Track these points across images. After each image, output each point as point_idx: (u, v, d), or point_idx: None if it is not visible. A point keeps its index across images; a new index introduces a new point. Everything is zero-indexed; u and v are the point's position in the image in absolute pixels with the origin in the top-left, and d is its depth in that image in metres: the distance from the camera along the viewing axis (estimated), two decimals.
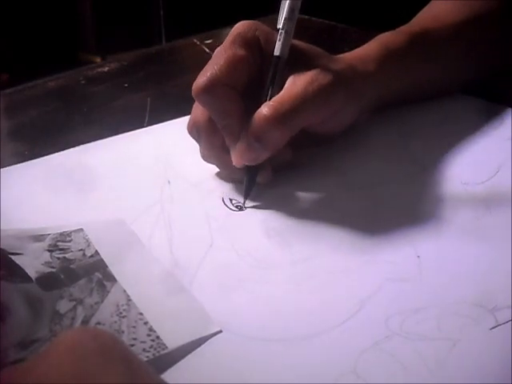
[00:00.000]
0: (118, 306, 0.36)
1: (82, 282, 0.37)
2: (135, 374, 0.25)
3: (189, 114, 0.48)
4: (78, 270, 0.38)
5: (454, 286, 0.37)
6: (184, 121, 0.48)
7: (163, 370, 0.32)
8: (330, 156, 0.50)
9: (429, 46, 0.54)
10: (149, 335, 0.34)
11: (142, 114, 0.59)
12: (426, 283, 0.37)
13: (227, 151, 0.45)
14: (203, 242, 0.42)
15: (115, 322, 0.34)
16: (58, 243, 0.40)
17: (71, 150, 0.53)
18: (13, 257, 0.38)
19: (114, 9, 2.39)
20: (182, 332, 0.34)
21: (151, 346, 0.33)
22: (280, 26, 0.45)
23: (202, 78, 0.44)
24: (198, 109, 0.46)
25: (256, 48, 0.46)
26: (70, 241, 0.41)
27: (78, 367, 0.25)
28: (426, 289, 0.37)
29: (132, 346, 0.33)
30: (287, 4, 0.46)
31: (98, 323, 0.34)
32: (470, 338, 0.33)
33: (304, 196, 0.46)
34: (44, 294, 0.36)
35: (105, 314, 0.35)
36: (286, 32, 0.45)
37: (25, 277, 0.37)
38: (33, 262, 0.38)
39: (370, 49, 0.52)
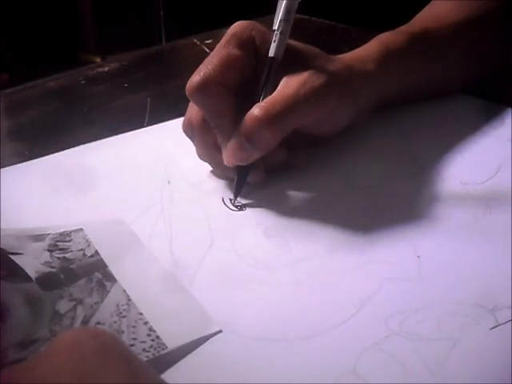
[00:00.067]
0: (117, 305, 0.36)
1: (82, 281, 0.37)
2: (135, 373, 0.25)
3: None
4: (78, 270, 0.38)
5: (454, 285, 0.37)
6: None
7: (163, 369, 0.32)
8: (329, 156, 0.50)
9: (429, 46, 0.54)
10: (149, 335, 0.34)
11: (141, 114, 0.59)
12: (425, 283, 0.37)
13: (220, 150, 0.46)
14: (203, 242, 0.42)
15: (115, 321, 0.34)
16: (58, 243, 0.40)
17: (71, 149, 0.53)
18: (13, 257, 0.38)
19: (114, 9, 2.39)
20: (182, 332, 0.34)
21: (151, 346, 0.33)
22: (275, 27, 0.45)
23: (195, 77, 0.44)
24: (192, 108, 0.47)
25: (251, 48, 0.46)
26: (69, 241, 0.41)
27: (77, 367, 0.25)
28: (426, 289, 0.37)
29: (132, 345, 0.33)
30: (283, 5, 0.46)
31: (98, 323, 0.34)
32: (470, 338, 0.33)
33: (304, 196, 0.46)
34: (44, 293, 0.36)
35: (105, 313, 0.35)
36: (281, 33, 0.45)
37: (25, 277, 0.37)
38: (33, 262, 0.38)
39: (370, 49, 0.52)
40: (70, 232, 0.42)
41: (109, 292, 0.37)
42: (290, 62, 0.46)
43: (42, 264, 0.38)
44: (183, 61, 0.79)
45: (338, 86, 0.46)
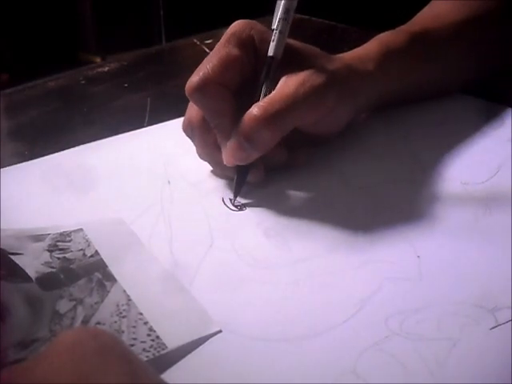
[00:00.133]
0: (117, 305, 0.36)
1: (82, 281, 0.37)
2: (135, 373, 0.25)
3: None
4: (78, 270, 0.38)
5: (454, 285, 0.37)
6: None
7: (163, 369, 0.32)
8: (330, 156, 0.50)
9: (429, 46, 0.54)
10: (149, 335, 0.34)
11: (141, 114, 0.60)
12: (425, 283, 0.37)
13: (220, 149, 0.46)
14: (203, 241, 0.42)
15: (115, 321, 0.34)
16: (58, 243, 0.40)
17: (71, 149, 0.53)
18: (13, 257, 0.38)
19: (114, 9, 2.39)
20: (182, 332, 0.34)
21: (151, 346, 0.33)
22: (274, 26, 0.46)
23: (194, 77, 0.44)
24: (192, 108, 0.47)
25: (250, 48, 0.46)
26: (69, 241, 0.41)
27: (77, 367, 0.25)
28: (426, 289, 0.37)
29: (132, 345, 0.33)
30: (282, 4, 0.46)
31: (98, 323, 0.34)
32: (470, 338, 0.33)
33: (304, 196, 0.46)
34: (44, 293, 0.36)
35: (105, 313, 0.35)
36: (280, 32, 0.45)
37: (25, 277, 0.37)
38: (33, 262, 0.38)
39: (370, 48, 0.52)
40: (70, 232, 0.42)
41: (109, 292, 0.37)
42: (290, 61, 0.46)
43: (42, 264, 0.38)
44: (183, 61, 0.79)
45: (337, 86, 0.46)
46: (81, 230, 0.42)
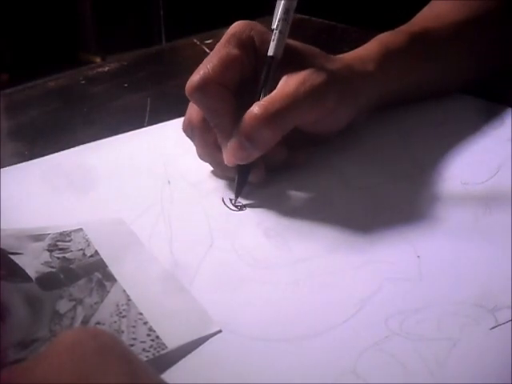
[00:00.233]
0: (117, 305, 0.36)
1: (82, 281, 0.37)
2: (135, 373, 0.25)
3: None
4: (78, 270, 0.38)
5: (454, 285, 0.37)
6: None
7: (163, 369, 0.32)
8: (330, 156, 0.50)
9: (429, 46, 0.54)
10: (148, 335, 0.34)
11: (141, 114, 0.59)
12: (426, 283, 0.37)
13: (220, 150, 0.46)
14: (203, 242, 0.42)
15: (115, 321, 0.34)
16: (58, 243, 0.40)
17: (71, 149, 0.53)
18: (12, 256, 0.38)
19: (114, 9, 2.39)
20: (182, 332, 0.34)
21: (151, 346, 0.33)
22: (274, 26, 0.46)
23: (194, 77, 0.44)
24: (192, 108, 0.47)
25: (250, 48, 0.46)
26: (69, 240, 0.41)
27: (77, 367, 0.25)
28: (426, 289, 0.37)
29: (132, 345, 0.33)
30: (282, 4, 0.46)
31: (98, 323, 0.34)
32: (470, 338, 0.33)
33: (304, 196, 0.46)
34: (44, 293, 0.36)
35: (104, 313, 0.35)
36: (280, 32, 0.45)
37: (24, 277, 0.37)
38: (32, 262, 0.38)
39: (370, 48, 0.52)
40: (70, 232, 0.42)
41: (109, 292, 0.37)
42: (290, 61, 0.46)
43: (42, 264, 0.38)
44: (183, 61, 0.79)
45: (338, 86, 0.46)
46: (81, 229, 0.42)
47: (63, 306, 0.35)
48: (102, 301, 0.36)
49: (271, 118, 0.43)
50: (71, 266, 0.39)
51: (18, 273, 0.37)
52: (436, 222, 0.42)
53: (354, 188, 0.47)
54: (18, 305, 0.35)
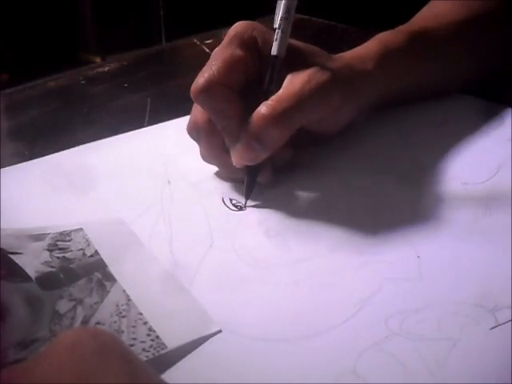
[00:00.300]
0: (117, 305, 0.36)
1: (82, 281, 0.37)
2: (135, 373, 0.25)
3: (189, 114, 0.48)
4: (78, 270, 0.38)
5: (454, 286, 0.37)
6: (184, 121, 0.48)
7: (163, 369, 0.32)
8: (330, 156, 0.50)
9: (428, 46, 0.54)
10: (148, 335, 0.34)
11: (142, 114, 0.59)
12: (426, 283, 0.37)
13: (227, 151, 0.45)
14: (203, 241, 0.42)
15: (115, 321, 0.34)
16: (58, 243, 0.40)
17: (71, 149, 0.53)
18: (12, 256, 0.38)
19: (114, 9, 2.39)
20: (182, 332, 0.34)
21: (151, 346, 0.33)
22: (276, 25, 0.46)
23: (200, 80, 0.44)
24: (197, 110, 0.46)
25: (253, 48, 0.46)
26: (69, 240, 0.41)
27: (77, 367, 0.25)
28: (426, 289, 0.37)
29: (132, 345, 0.33)
30: (283, 3, 0.46)
31: (98, 323, 0.34)
32: (470, 338, 0.33)
33: (304, 196, 0.46)
34: (44, 293, 0.36)
35: (104, 313, 0.35)
36: (282, 31, 0.45)
37: (24, 276, 0.37)
38: (32, 262, 0.38)
39: (370, 48, 0.52)
40: (70, 232, 0.42)
41: (109, 292, 0.37)
42: (293, 60, 0.46)
43: (42, 264, 0.38)
44: (183, 61, 0.79)
45: (341, 84, 0.46)
46: (81, 229, 0.42)
47: (63, 305, 0.35)
48: (101, 301, 0.36)
49: (279, 117, 0.43)
50: (71, 265, 0.39)
51: (17, 273, 0.37)
52: (436, 222, 0.42)
53: (354, 188, 0.47)
54: (17, 305, 0.35)
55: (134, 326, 0.34)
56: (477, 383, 0.31)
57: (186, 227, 0.43)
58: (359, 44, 0.53)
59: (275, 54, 0.45)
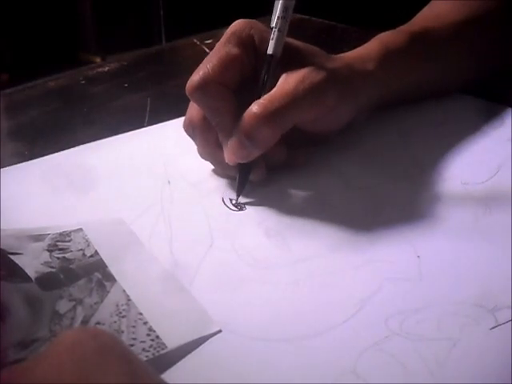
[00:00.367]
0: (117, 305, 0.36)
1: (82, 281, 0.37)
2: (135, 373, 0.25)
3: None
4: (78, 270, 0.38)
5: (454, 285, 0.37)
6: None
7: (163, 369, 0.32)
8: (330, 156, 0.50)
9: (429, 46, 0.54)
10: (148, 335, 0.34)
11: (141, 114, 0.59)
12: (426, 283, 0.37)
13: (221, 148, 0.46)
14: (203, 242, 0.42)
15: (115, 321, 0.34)
16: (58, 243, 0.40)
17: (71, 150, 0.53)
18: (12, 257, 0.38)
19: (114, 9, 2.39)
20: (182, 332, 0.34)
21: (151, 346, 0.33)
22: (273, 24, 0.46)
23: (194, 77, 0.44)
24: (193, 107, 0.47)
25: (250, 47, 0.46)
26: (69, 241, 0.41)
27: (77, 367, 0.25)
28: (426, 289, 0.37)
29: (132, 345, 0.33)
30: (281, 3, 0.46)
31: (98, 323, 0.34)
32: (470, 338, 0.33)
33: (304, 196, 0.46)
34: (43, 293, 0.36)
35: (104, 313, 0.35)
36: (278, 30, 0.45)
37: (24, 277, 0.37)
38: (32, 262, 0.38)
39: (370, 48, 0.52)
40: (70, 232, 0.42)
41: (108, 292, 0.37)
42: (289, 59, 0.46)
43: (42, 264, 0.38)
44: (183, 61, 0.79)
45: (339, 85, 0.46)
46: (80, 229, 0.42)
47: (63, 306, 0.35)
48: (101, 301, 0.36)
49: (270, 116, 0.43)
50: (71, 266, 0.39)
51: (17, 273, 0.37)
52: (436, 221, 0.42)
53: (354, 188, 0.47)
54: (17, 305, 0.35)
55: (133, 326, 0.34)
56: (477, 383, 0.31)
57: (186, 227, 0.43)
58: (359, 44, 0.53)
59: (271, 52, 0.45)
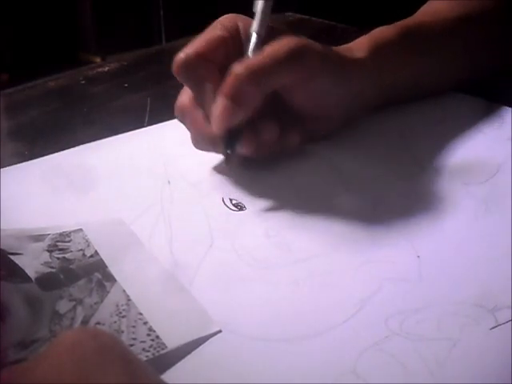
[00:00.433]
0: (117, 306, 0.36)
1: (82, 282, 0.37)
2: (135, 373, 0.25)
3: None
4: (78, 270, 0.38)
5: (454, 285, 0.37)
6: None
7: (163, 369, 0.32)
8: (330, 155, 0.50)
9: (421, 40, 0.54)
10: (148, 335, 0.34)
11: (141, 114, 0.59)
12: (425, 283, 0.37)
13: (209, 123, 0.46)
14: (203, 242, 0.42)
15: (115, 321, 0.34)
16: (58, 243, 0.40)
17: (71, 150, 0.53)
18: (12, 257, 0.38)
19: (114, 9, 2.39)
20: (182, 332, 0.34)
21: (151, 346, 0.33)
22: (257, 7, 0.47)
23: (180, 54, 0.46)
24: (183, 93, 0.48)
25: (235, 33, 0.47)
26: (69, 241, 0.41)
27: (77, 367, 0.25)
28: (426, 289, 0.37)
29: (132, 345, 0.33)
30: None
31: (98, 323, 0.34)
32: (470, 338, 0.33)
33: (303, 196, 0.46)
34: (44, 294, 0.36)
35: (104, 314, 0.35)
36: (262, 12, 0.46)
37: (24, 277, 0.37)
38: (32, 262, 0.38)
39: (360, 41, 0.53)
40: (70, 232, 0.42)
41: (108, 292, 0.37)
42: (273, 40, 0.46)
43: (42, 264, 0.38)
44: None
45: (331, 66, 0.48)
46: (80, 230, 0.42)
47: (63, 306, 0.35)
48: (101, 301, 0.36)
49: (252, 75, 0.44)
50: (71, 266, 0.39)
51: (17, 273, 0.37)
52: (436, 221, 0.42)
53: (354, 188, 0.47)
54: (18, 305, 0.35)
55: (133, 326, 0.34)
56: (477, 383, 0.31)
57: (186, 227, 0.43)
58: None
59: (255, 31, 0.46)
